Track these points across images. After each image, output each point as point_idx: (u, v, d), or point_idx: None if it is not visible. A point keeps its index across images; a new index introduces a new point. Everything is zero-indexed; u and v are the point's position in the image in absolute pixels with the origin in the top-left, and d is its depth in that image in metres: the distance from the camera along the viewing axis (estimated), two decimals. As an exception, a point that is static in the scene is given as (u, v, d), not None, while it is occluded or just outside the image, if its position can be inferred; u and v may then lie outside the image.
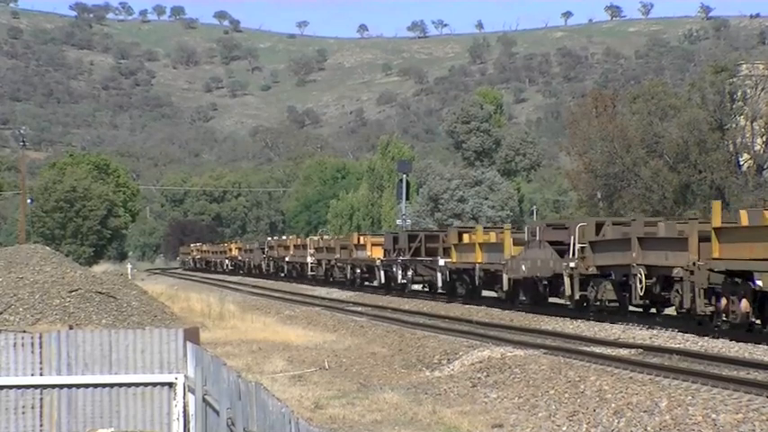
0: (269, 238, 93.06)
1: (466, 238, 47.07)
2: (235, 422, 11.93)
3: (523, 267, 39.14)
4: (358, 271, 62.15)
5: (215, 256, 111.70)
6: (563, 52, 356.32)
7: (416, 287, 54.47)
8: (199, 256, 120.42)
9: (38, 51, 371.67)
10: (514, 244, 41.15)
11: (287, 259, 78.89)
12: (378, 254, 58.64)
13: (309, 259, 72.56)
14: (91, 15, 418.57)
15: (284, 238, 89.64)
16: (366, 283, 62.32)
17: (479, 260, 44.42)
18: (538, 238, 38.58)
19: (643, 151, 73.26)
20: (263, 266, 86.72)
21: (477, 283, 45.08)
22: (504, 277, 41.15)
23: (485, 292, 46.49)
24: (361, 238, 64.03)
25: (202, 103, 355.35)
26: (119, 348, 15.51)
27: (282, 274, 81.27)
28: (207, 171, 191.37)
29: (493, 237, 45.05)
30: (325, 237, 78.57)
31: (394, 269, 54.77)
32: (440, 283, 49.50)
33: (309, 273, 72.44)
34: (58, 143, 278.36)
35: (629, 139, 73.95)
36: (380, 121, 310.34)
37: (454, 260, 47.44)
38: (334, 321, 42.04)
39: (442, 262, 48.63)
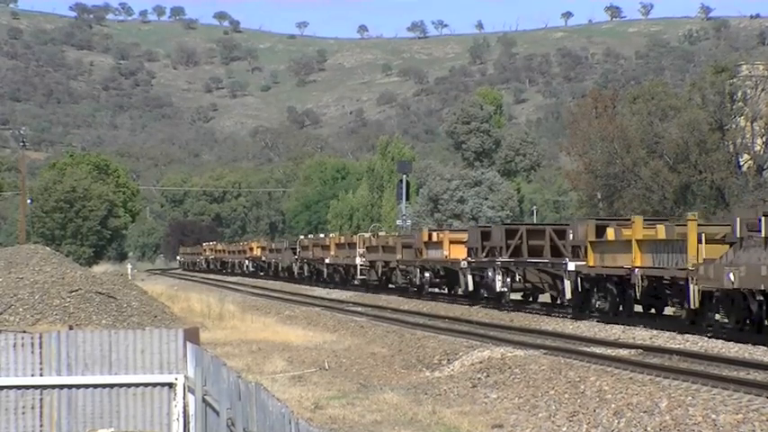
0: (301, 237, 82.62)
1: (611, 233, 35.30)
2: (235, 422, 11.93)
3: (732, 276, 27.58)
4: (427, 275, 51.14)
5: (232, 257, 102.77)
6: (563, 52, 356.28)
7: (514, 296, 44.19)
8: (213, 257, 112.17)
9: (38, 52, 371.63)
10: (707, 242, 30.18)
11: (327, 261, 67.77)
12: (459, 253, 47.50)
13: (359, 261, 61.34)
14: (91, 16, 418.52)
15: (322, 236, 78.31)
16: (438, 290, 52.40)
17: (639, 263, 32.79)
18: (765, 233, 26.85)
19: (643, 151, 73.26)
20: (295, 269, 76.42)
21: (636, 295, 33.30)
22: (693, 289, 29.65)
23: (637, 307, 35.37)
24: (436, 234, 52.93)
25: (202, 104, 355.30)
26: (119, 349, 15.51)
27: (315, 278, 71.91)
28: (207, 171, 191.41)
29: (661, 231, 33.02)
30: (381, 233, 66.55)
31: (490, 274, 43.15)
32: (568, 294, 37.48)
33: (358, 277, 61.37)
34: (58, 143, 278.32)
35: (629, 139, 73.96)
36: (380, 122, 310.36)
37: (592, 263, 35.81)
38: (334, 321, 42.04)
39: (571, 266, 36.76)
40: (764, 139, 71.18)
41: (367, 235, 64.06)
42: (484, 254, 44.28)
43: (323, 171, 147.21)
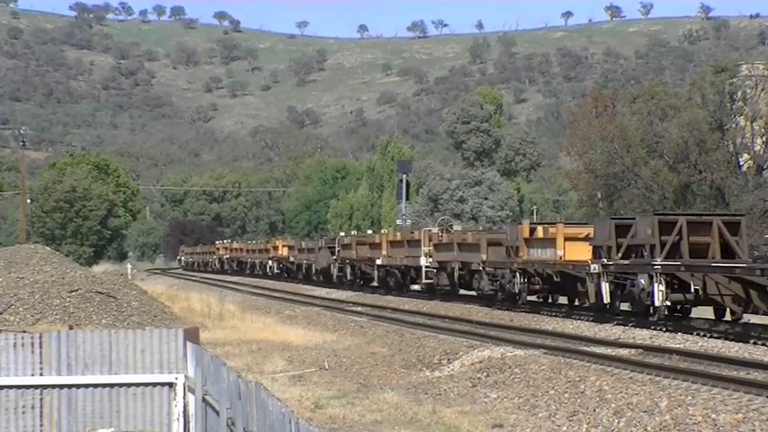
0: (341, 234, 72.03)
1: None
2: (235, 422, 11.93)
3: None
4: (524, 280, 40.06)
5: (252, 257, 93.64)
6: (563, 52, 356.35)
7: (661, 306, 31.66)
8: (228, 256, 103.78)
9: (38, 51, 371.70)
10: None
11: (379, 262, 57.65)
12: (580, 254, 36.91)
13: (424, 261, 50.81)
14: (91, 15, 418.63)
15: (370, 232, 70.36)
16: (538, 298, 41.51)
17: None
18: None
19: (643, 151, 73.30)
20: (334, 272, 66.22)
21: None
22: None
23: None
24: (543, 228, 41.64)
25: (202, 103, 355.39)
26: (119, 348, 15.51)
27: (362, 282, 61.89)
28: (207, 171, 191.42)
29: None
30: (456, 227, 54.56)
31: (641, 282, 31.44)
32: None
33: (424, 281, 51.13)
34: (58, 143, 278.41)
35: (629, 139, 73.99)
36: (380, 121, 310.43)
37: None
38: (334, 321, 42.03)
39: None
40: (764, 138, 71.21)
41: (434, 230, 52.72)
42: (619, 254, 33.57)
43: (323, 171, 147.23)
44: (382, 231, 64.61)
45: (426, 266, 50.63)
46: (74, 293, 34.25)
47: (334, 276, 65.69)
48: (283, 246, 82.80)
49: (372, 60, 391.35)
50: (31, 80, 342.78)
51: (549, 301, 41.41)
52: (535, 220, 63.59)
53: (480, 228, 59.41)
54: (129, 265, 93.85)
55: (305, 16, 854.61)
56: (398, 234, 58.75)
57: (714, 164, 69.88)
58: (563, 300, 40.44)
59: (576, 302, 38.53)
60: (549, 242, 39.58)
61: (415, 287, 53.41)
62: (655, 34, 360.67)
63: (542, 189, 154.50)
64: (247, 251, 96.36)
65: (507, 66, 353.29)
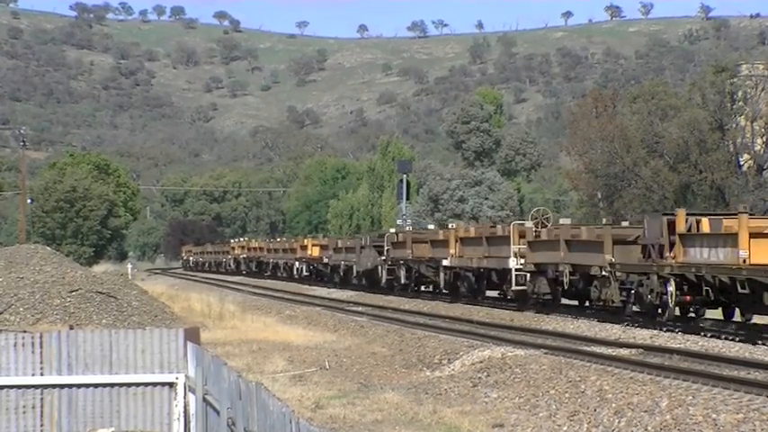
0: (391, 230, 61.67)
1: None
2: (235, 422, 11.93)
3: None
4: (680, 289, 30.51)
5: (275, 257, 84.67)
6: (563, 52, 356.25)
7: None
8: (245, 256, 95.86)
9: (38, 51, 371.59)
10: None
11: (446, 263, 48.29)
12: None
13: (515, 263, 41.65)
14: (91, 15, 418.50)
15: (431, 227, 60.36)
16: (688, 310, 31.97)
17: None
18: None
19: (643, 151, 73.27)
20: (382, 275, 56.88)
21: None
22: None
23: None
24: (710, 221, 31.60)
25: (202, 103, 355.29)
26: (119, 348, 15.51)
27: (415, 287, 53.93)
28: (207, 171, 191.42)
29: None
30: (563, 221, 43.65)
31: None
32: None
33: (513, 288, 41.79)
34: (58, 143, 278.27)
35: (630, 139, 73.96)
36: (380, 121, 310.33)
37: None
38: (335, 321, 42.03)
39: None
40: (764, 138, 71.18)
41: (528, 224, 43.44)
42: None
43: (323, 171, 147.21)
44: (451, 226, 52.29)
45: (518, 269, 41.43)
46: (74, 293, 34.25)
47: (383, 280, 56.83)
48: (314, 245, 74.17)
49: (372, 60, 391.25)
50: (31, 80, 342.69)
51: (697, 314, 32.19)
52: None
53: (608, 221, 48.52)
54: (129, 265, 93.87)
55: (305, 16, 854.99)
56: (472, 230, 50.03)
57: (714, 164, 69.85)
58: (713, 314, 32.09)
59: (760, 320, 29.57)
60: (724, 239, 29.40)
61: (492, 294, 45.94)
62: (655, 34, 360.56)
63: (542, 189, 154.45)
64: (269, 251, 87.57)
65: (507, 66, 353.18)
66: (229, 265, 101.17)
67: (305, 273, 74.45)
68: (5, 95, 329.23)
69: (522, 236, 42.06)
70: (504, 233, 44.15)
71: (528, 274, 40.61)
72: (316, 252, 72.87)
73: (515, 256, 41.60)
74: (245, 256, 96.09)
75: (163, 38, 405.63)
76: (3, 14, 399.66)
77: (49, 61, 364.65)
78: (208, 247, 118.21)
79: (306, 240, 77.63)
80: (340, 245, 67.33)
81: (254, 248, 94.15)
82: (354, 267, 61.62)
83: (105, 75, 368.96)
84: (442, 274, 49.13)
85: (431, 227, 53.43)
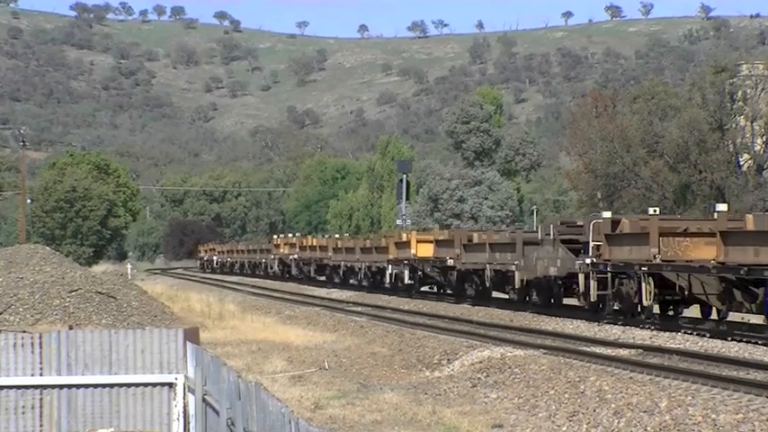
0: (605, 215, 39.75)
1: None
2: (235, 422, 11.93)
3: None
4: None
5: (348, 259, 64.74)
6: (563, 52, 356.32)
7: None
8: (295, 256, 75.81)
9: (38, 51, 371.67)
10: None
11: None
12: None
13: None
14: (91, 15, 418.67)
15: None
16: None
17: None
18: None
19: (643, 151, 73.26)
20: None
21: None
22: None
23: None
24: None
25: (202, 103, 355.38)
26: (119, 348, 15.51)
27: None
28: (207, 171, 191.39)
29: None
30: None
31: None
32: None
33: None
34: (58, 143, 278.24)
35: (629, 139, 73.95)
36: (380, 121, 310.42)
37: None
38: (334, 321, 42.02)
39: None
40: (764, 138, 71.18)
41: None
42: None
43: (323, 171, 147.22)
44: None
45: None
46: (74, 293, 34.23)
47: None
48: (422, 240, 52.63)
49: (372, 60, 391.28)
50: (31, 80, 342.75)
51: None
52: (535, 221, 52.25)
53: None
54: (129, 266, 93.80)
55: (305, 16, 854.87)
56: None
57: (714, 164, 69.85)
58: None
59: None
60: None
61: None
62: (655, 34, 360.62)
63: (542, 189, 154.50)
64: (337, 250, 67.37)
65: (507, 66, 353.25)
66: (271, 268, 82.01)
67: (407, 280, 53.19)
68: (5, 95, 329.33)
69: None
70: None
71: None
72: (427, 251, 51.30)
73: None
74: (295, 256, 76.04)
75: (163, 38, 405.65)
76: (3, 14, 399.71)
77: (49, 61, 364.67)
78: (240, 245, 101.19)
79: (407, 234, 56.12)
80: (477, 239, 46.44)
81: (311, 247, 74.05)
82: (516, 275, 40.76)
83: (105, 75, 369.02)
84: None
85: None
